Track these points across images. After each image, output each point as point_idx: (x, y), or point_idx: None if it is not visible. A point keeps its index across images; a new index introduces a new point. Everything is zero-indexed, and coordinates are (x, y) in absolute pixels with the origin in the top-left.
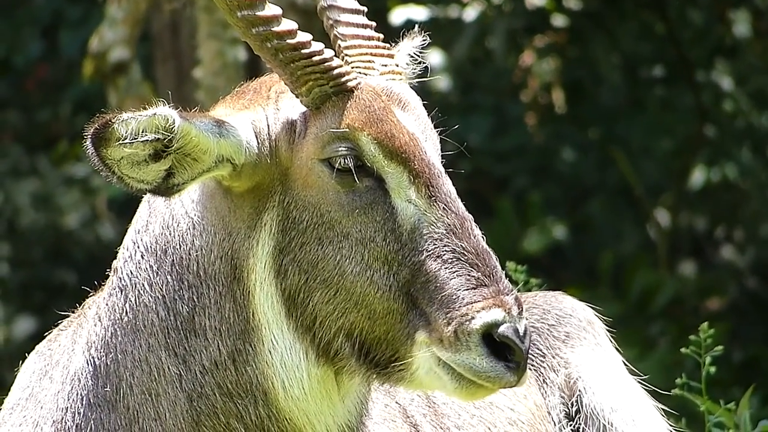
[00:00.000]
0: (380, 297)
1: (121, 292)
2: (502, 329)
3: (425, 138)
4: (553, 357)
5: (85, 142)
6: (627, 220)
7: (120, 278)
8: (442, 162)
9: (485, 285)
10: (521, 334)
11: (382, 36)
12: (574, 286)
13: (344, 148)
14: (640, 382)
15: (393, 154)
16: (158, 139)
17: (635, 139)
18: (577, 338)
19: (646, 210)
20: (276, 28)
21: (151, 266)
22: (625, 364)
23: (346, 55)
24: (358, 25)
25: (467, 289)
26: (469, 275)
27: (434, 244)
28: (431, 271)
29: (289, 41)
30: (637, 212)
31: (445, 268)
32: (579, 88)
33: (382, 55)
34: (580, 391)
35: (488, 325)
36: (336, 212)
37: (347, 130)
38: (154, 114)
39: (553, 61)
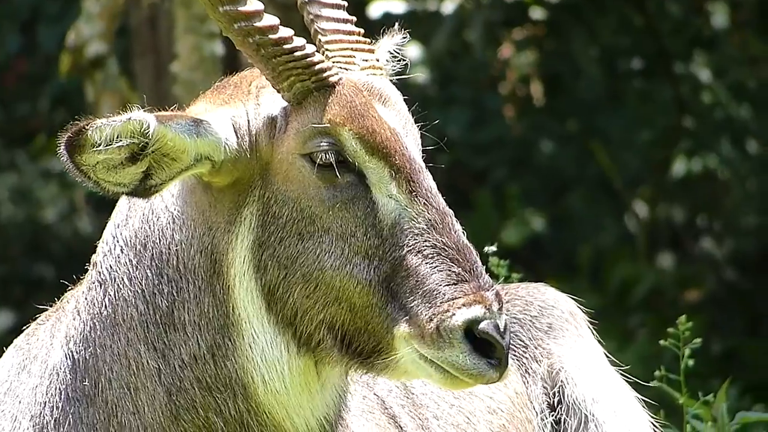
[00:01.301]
0: (360, 291)
1: (101, 286)
2: (482, 326)
3: (406, 133)
4: (536, 348)
5: (59, 149)
6: (606, 213)
7: (99, 272)
8: (422, 157)
9: (466, 281)
10: (502, 329)
11: (362, 31)
12: (554, 279)
13: (325, 144)
14: (620, 374)
15: (374, 150)
16: (134, 143)
17: (614, 131)
18: (560, 329)
19: (625, 202)
20: (258, 24)
21: (130, 260)
22: (607, 356)
23: (327, 49)
24: (338, 20)
25: (448, 285)
26: (449, 271)
27: (415, 239)
28: (412, 266)
29: (271, 36)
30: (617, 204)
31: (426, 263)
32: (558, 81)
33: (362, 50)
34: (562, 381)
35: (469, 322)
36: (317, 207)
37: (329, 125)
38: (129, 119)
39: (532, 53)
